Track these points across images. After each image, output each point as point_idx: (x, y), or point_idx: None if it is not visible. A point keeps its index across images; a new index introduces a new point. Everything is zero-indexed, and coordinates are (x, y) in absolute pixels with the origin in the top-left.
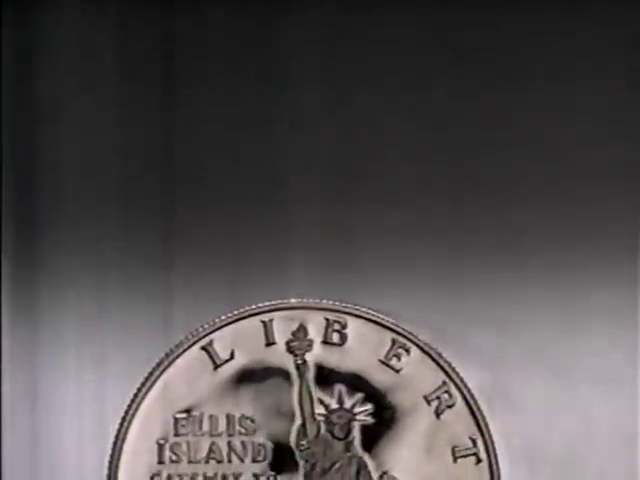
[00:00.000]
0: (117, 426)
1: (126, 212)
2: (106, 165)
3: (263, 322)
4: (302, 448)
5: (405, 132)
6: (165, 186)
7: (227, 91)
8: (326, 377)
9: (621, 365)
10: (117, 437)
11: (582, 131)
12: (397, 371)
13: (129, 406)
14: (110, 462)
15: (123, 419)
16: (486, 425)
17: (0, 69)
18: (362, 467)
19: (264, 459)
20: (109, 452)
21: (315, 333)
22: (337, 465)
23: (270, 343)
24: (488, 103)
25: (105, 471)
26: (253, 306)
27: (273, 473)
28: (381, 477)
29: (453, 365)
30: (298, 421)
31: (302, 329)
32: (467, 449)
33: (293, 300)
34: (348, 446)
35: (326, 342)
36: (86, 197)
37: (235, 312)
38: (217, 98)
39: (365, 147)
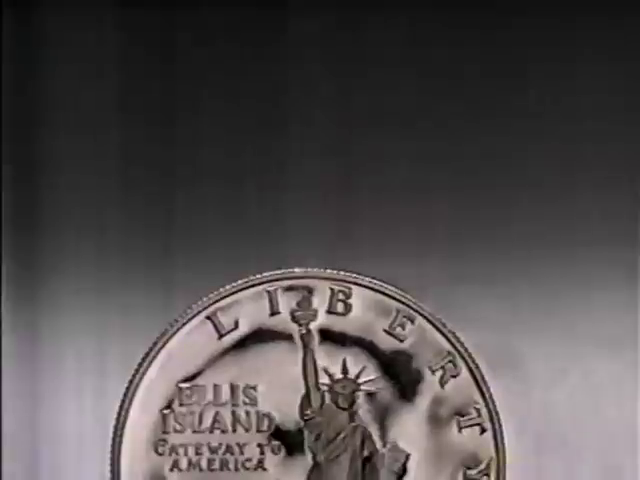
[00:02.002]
0: (121, 396)
1: (126, 187)
2: (105, 148)
3: (267, 292)
4: (306, 418)
5: (406, 103)
6: (164, 163)
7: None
8: (330, 347)
9: (624, 329)
10: (121, 407)
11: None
12: (401, 341)
13: (133, 376)
14: (114, 433)
15: (127, 390)
16: (490, 395)
17: (0, 69)
18: (366, 437)
19: (269, 429)
20: (113, 423)
21: (319, 303)
22: (341, 435)
23: (274, 313)
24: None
25: (109, 441)
26: (257, 275)
27: (278, 443)
28: (385, 447)
29: (458, 335)
30: (302, 391)
31: (306, 299)
32: (471, 419)
33: (297, 270)
34: (352, 416)
35: (330, 312)
36: (86, 177)
37: (239, 282)
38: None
39: (366, 117)
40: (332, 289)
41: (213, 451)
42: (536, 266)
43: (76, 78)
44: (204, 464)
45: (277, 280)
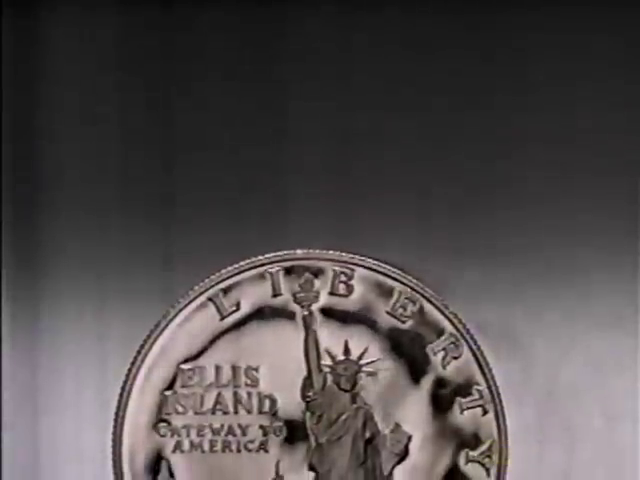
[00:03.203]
0: (123, 378)
1: (126, 170)
2: (106, 128)
3: (269, 273)
4: (308, 399)
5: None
6: (164, 145)
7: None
8: (332, 328)
9: (625, 308)
10: (123, 389)
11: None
12: (403, 322)
13: (134, 359)
14: (116, 414)
15: (129, 371)
16: (492, 377)
17: (0, 69)
18: (368, 419)
19: (270, 411)
20: (115, 405)
21: (321, 284)
22: (343, 417)
23: (276, 294)
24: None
25: (111, 424)
26: (259, 257)
27: (280, 424)
28: (387, 429)
29: (459, 316)
30: (304, 372)
31: (308, 280)
32: (473, 400)
33: (299, 251)
34: (354, 398)
35: (332, 293)
36: (86, 161)
37: (241, 263)
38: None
39: (367, 100)
40: (334, 270)
41: (215, 433)
42: (538, 247)
43: (76, 78)
44: (206, 446)
45: (279, 262)
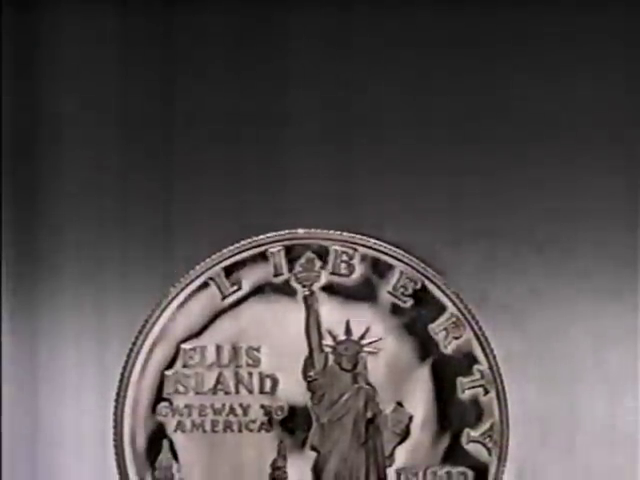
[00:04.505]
0: (124, 358)
1: (126, 150)
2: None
3: (271, 253)
4: (310, 379)
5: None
6: (164, 125)
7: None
8: (333, 308)
9: (625, 281)
10: (124, 369)
11: None
12: (404, 302)
13: (136, 338)
14: (117, 394)
15: (130, 351)
16: (494, 357)
17: (0, 69)
18: (370, 399)
19: (272, 391)
20: (116, 385)
21: (323, 264)
22: (345, 396)
23: (277, 274)
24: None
25: (112, 403)
26: (261, 236)
27: (281, 405)
28: (388, 409)
29: (461, 296)
30: (306, 352)
31: (310, 260)
32: (474, 380)
33: (301, 231)
34: (356, 377)
35: (334, 273)
36: (86, 145)
37: (243, 242)
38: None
39: (365, 87)
40: (336, 250)
41: (217, 413)
42: (538, 225)
43: (76, 78)
44: (208, 426)
45: (280, 241)
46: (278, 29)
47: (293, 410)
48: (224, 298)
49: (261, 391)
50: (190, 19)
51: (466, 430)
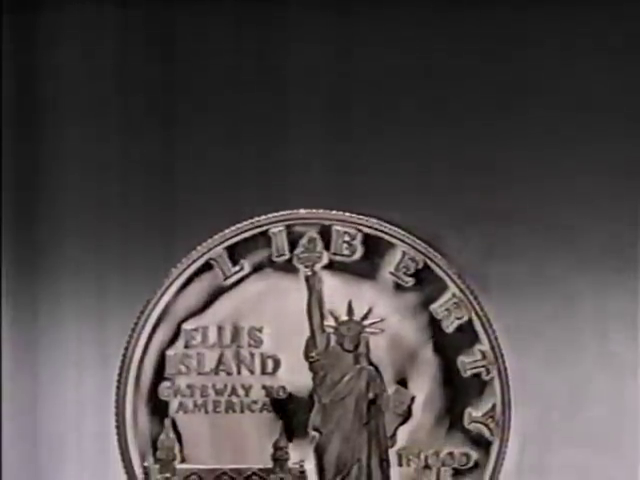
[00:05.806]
0: (126, 338)
1: (126, 133)
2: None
3: (273, 233)
4: (312, 360)
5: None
6: (164, 110)
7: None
8: (335, 288)
9: (623, 260)
10: (126, 350)
11: None
12: (406, 282)
13: (138, 319)
14: (119, 375)
15: (132, 332)
16: (496, 337)
17: (0, 69)
18: (372, 379)
19: (273, 371)
20: (118, 365)
21: (324, 244)
22: (347, 377)
23: (279, 254)
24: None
25: (114, 384)
26: (263, 217)
27: (282, 385)
28: (390, 389)
29: (463, 277)
30: (307, 333)
31: (311, 240)
32: (476, 361)
33: (302, 211)
34: (358, 358)
35: (336, 253)
36: (86, 133)
37: (244, 223)
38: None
39: (366, 77)
40: (337, 231)
41: (218, 393)
42: (539, 205)
43: (76, 77)
44: (210, 406)
45: (282, 221)
46: (278, 29)
47: (295, 391)
48: (226, 279)
49: (263, 372)
50: (190, 19)
51: (468, 410)
